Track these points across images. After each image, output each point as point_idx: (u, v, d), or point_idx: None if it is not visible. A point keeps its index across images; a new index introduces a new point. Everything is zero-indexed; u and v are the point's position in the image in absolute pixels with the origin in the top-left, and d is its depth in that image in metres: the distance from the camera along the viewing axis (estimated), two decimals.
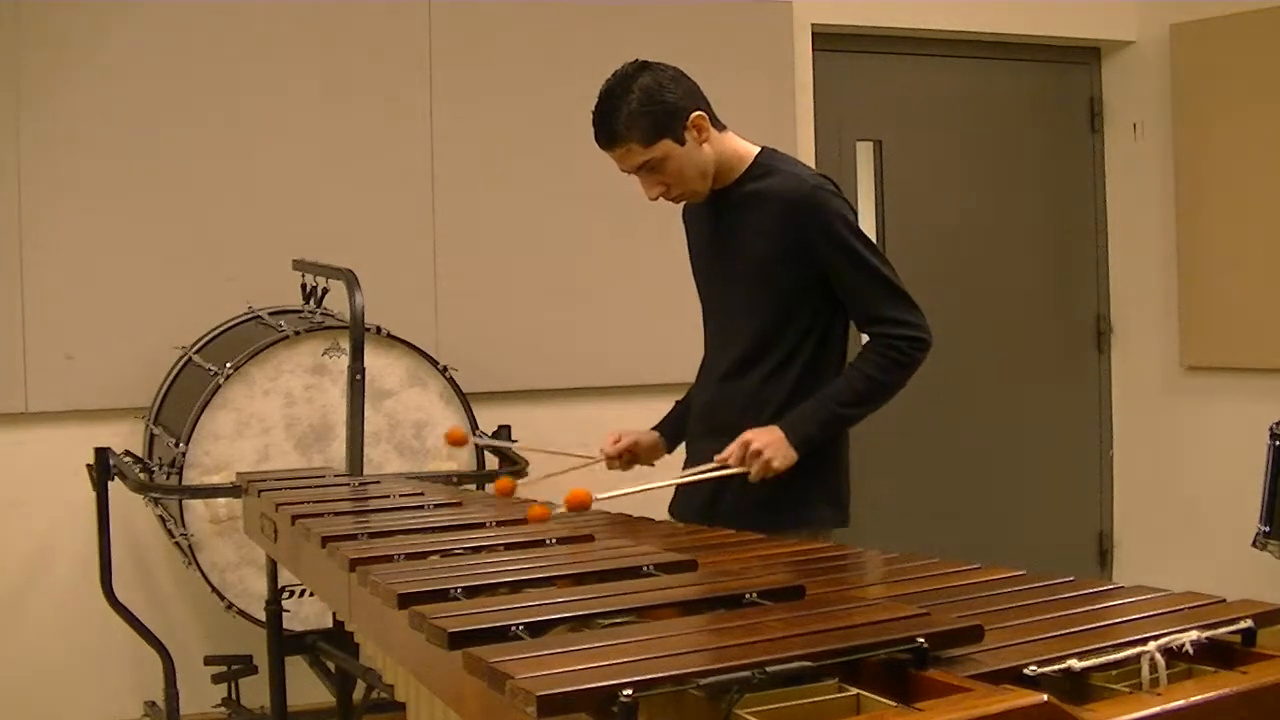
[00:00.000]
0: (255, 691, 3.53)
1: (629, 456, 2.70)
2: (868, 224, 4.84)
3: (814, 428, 2.45)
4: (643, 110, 2.39)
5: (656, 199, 2.51)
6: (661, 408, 2.80)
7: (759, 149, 2.56)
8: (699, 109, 2.45)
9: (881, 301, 2.47)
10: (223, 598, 3.41)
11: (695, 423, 2.68)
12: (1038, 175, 5.10)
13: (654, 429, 2.75)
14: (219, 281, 3.86)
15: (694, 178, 2.47)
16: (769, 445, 2.40)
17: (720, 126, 2.52)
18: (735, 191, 2.53)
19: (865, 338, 2.54)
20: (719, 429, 2.52)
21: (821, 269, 2.46)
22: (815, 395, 2.47)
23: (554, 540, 1.94)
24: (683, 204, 2.63)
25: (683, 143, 2.43)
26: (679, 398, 2.79)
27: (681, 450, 2.73)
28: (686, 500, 2.61)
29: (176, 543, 3.57)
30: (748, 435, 2.42)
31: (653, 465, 2.74)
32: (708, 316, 2.69)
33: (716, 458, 2.44)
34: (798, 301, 2.48)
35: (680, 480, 2.54)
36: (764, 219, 2.47)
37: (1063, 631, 1.36)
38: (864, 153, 4.86)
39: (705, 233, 2.62)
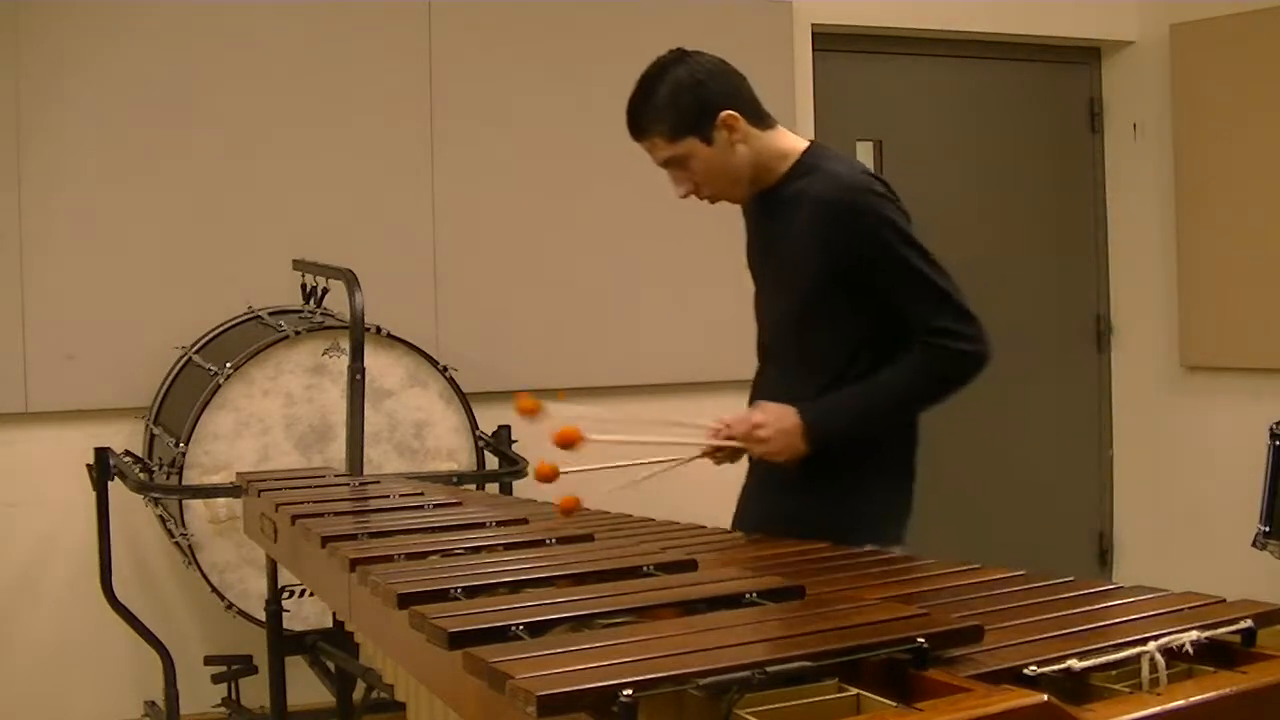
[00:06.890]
0: (255, 691, 3.53)
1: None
2: None
3: (841, 421, 2.25)
4: (670, 104, 2.22)
5: (685, 197, 2.32)
6: (662, 407, 2.77)
7: (807, 145, 2.34)
8: (732, 108, 2.24)
9: (936, 313, 2.24)
10: (223, 598, 3.42)
11: None
12: (1038, 175, 5.09)
13: None
14: (219, 281, 3.86)
15: (723, 181, 2.29)
16: (777, 439, 2.22)
17: (768, 124, 2.31)
18: (780, 191, 2.31)
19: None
20: None
21: (869, 280, 2.23)
22: (846, 389, 2.25)
23: (554, 540, 1.94)
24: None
25: (710, 142, 2.23)
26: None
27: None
28: (749, 506, 2.43)
29: (176, 543, 3.57)
30: (759, 417, 2.24)
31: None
32: (759, 322, 2.47)
33: (716, 420, 2.24)
34: (845, 315, 2.26)
35: (677, 460, 2.27)
36: (803, 223, 2.25)
37: (1063, 631, 1.36)
38: (864, 153, 4.85)
39: (753, 233, 2.43)
